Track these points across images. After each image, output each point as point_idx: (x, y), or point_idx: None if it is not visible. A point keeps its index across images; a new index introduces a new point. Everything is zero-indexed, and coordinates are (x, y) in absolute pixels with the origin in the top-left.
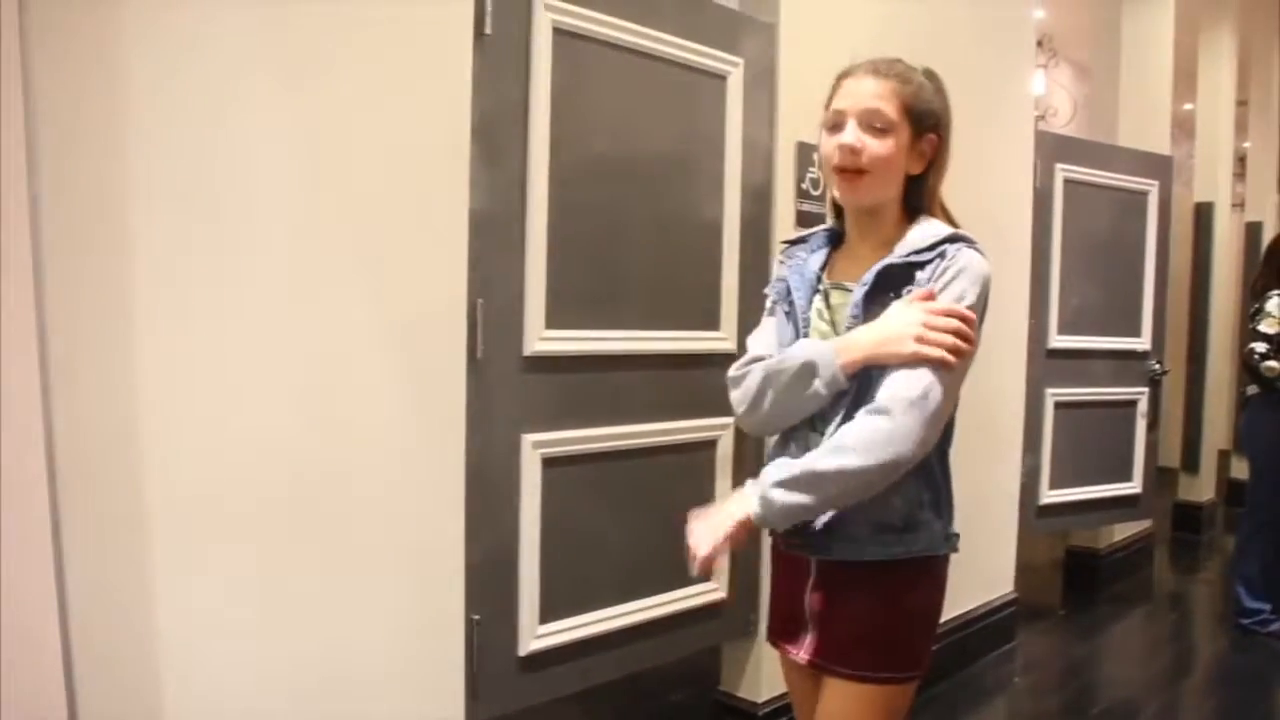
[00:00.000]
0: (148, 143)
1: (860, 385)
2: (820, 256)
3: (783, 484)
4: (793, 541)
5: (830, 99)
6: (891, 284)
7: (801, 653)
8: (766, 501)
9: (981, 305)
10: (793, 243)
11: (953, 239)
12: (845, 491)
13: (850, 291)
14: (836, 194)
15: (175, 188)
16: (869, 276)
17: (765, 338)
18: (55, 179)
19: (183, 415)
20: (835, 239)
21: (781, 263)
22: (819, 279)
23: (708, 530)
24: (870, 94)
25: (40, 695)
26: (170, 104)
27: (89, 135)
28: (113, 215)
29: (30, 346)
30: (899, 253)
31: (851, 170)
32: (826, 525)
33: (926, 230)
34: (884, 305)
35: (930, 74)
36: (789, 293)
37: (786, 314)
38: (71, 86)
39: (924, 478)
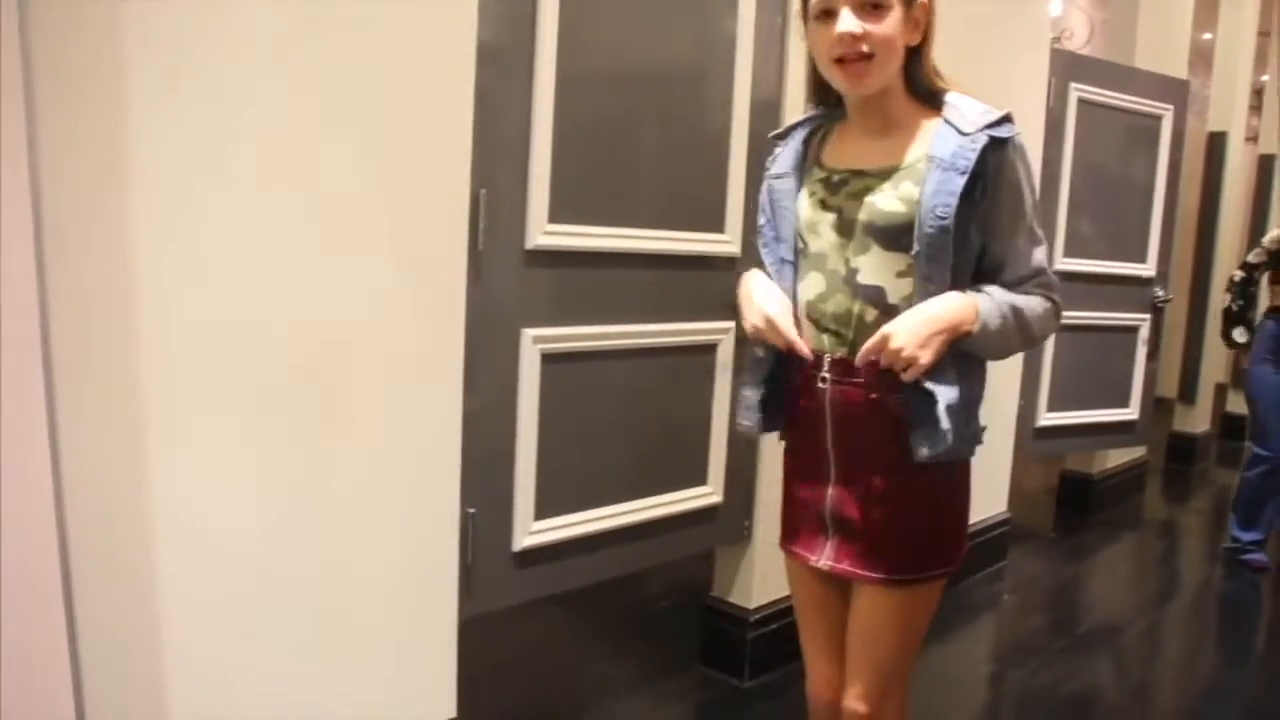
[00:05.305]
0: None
1: None
2: (798, 145)
3: (1015, 309)
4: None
5: None
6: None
7: (823, 559)
8: (1001, 318)
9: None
10: (779, 136)
11: (1008, 117)
12: (1015, 349)
13: (872, 176)
14: (840, 86)
15: (171, 65)
16: (953, 157)
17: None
18: (48, 33)
19: (182, 298)
20: (819, 123)
21: (769, 173)
22: (802, 164)
23: (911, 333)
24: None
25: (35, 582)
26: None
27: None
28: (109, 82)
29: (26, 218)
30: (968, 126)
31: (854, 58)
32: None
33: (973, 104)
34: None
35: None
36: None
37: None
38: None
39: (976, 377)
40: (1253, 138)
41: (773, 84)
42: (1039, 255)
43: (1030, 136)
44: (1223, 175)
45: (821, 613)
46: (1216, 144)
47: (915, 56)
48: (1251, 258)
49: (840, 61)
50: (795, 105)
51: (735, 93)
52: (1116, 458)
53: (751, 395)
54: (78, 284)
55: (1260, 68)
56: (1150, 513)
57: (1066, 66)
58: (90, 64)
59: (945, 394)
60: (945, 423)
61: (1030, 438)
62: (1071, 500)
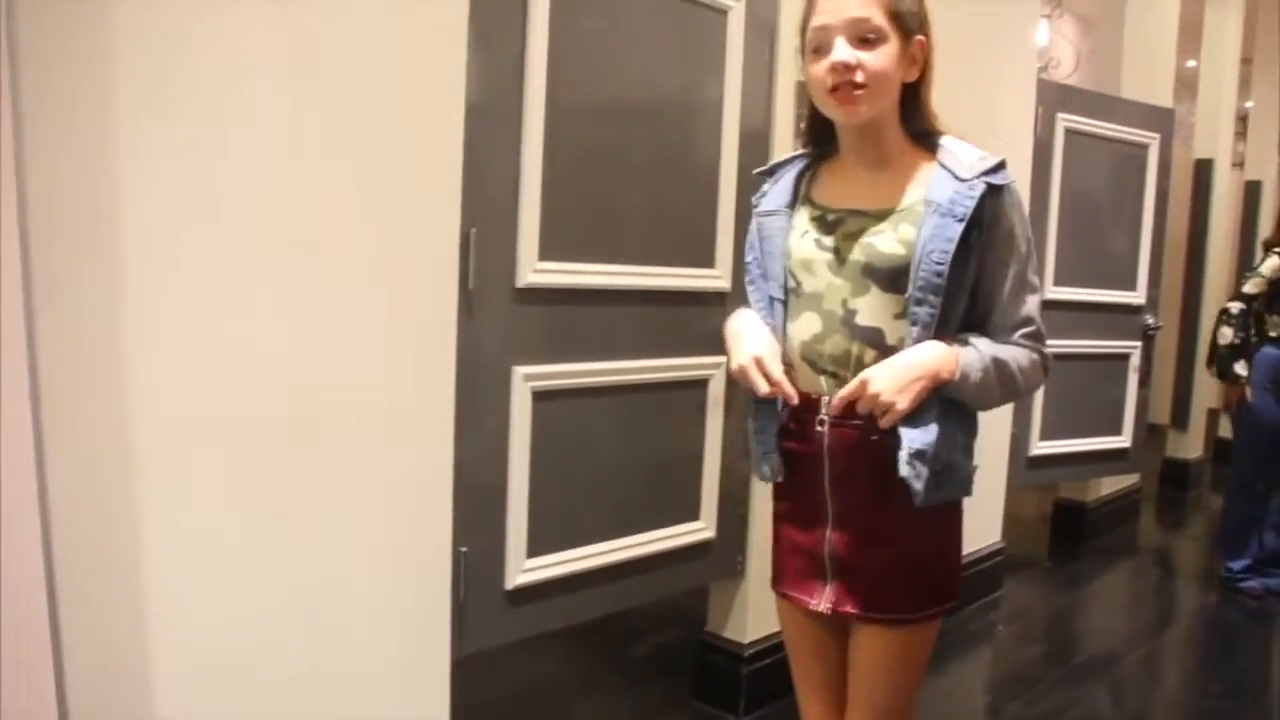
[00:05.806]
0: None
1: None
2: (790, 183)
3: (999, 361)
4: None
5: (806, 19)
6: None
7: (823, 602)
8: (983, 370)
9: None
10: (765, 173)
11: (1003, 164)
12: (998, 401)
13: (869, 217)
14: (833, 115)
15: (159, 97)
16: (950, 203)
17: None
18: (35, 88)
19: (170, 343)
20: (809, 160)
21: (757, 209)
22: (794, 202)
23: (891, 379)
24: (853, 3)
25: (24, 621)
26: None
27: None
28: (96, 122)
29: (14, 257)
30: (964, 171)
31: (846, 88)
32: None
33: (968, 150)
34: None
35: None
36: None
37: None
38: None
39: (964, 420)
40: (1239, 164)
41: (761, 117)
42: (1029, 305)
43: (1019, 167)
44: (1210, 202)
45: (816, 655)
46: (1203, 171)
47: (913, 94)
48: (1249, 288)
49: (834, 91)
50: (784, 138)
51: (724, 127)
52: (1110, 485)
53: (769, 443)
54: (67, 323)
55: (1245, 94)
56: (1145, 540)
57: (1053, 96)
58: (77, 87)
59: (916, 439)
60: (905, 469)
61: (1023, 467)
62: (1066, 528)
